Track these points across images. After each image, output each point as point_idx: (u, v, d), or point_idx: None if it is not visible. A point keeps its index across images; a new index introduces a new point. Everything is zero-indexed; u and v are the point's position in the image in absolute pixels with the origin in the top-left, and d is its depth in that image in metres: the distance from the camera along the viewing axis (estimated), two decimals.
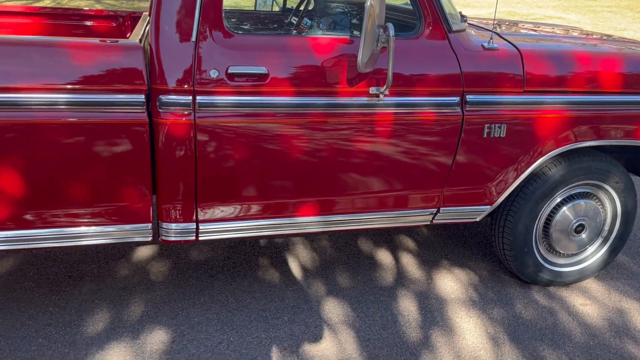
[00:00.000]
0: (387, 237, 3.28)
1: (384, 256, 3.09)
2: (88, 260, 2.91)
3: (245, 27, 2.64)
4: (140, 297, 2.63)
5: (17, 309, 2.49)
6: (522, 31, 3.20)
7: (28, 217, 2.00)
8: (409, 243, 3.24)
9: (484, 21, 3.47)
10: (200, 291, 2.70)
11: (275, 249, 3.10)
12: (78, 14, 3.44)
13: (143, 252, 3.01)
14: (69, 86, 1.88)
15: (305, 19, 3.10)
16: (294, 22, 3.24)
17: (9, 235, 2.02)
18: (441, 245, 3.24)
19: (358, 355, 2.32)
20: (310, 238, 3.26)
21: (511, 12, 13.00)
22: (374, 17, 1.89)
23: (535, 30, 3.20)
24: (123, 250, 3.02)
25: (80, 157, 1.96)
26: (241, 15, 3.36)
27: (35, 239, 2.07)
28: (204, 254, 3.01)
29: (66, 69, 1.88)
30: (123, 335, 2.36)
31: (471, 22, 3.01)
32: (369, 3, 1.87)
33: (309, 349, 2.34)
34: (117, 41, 1.95)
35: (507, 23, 3.77)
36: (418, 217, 2.48)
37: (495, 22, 3.25)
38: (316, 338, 2.41)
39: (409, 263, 3.03)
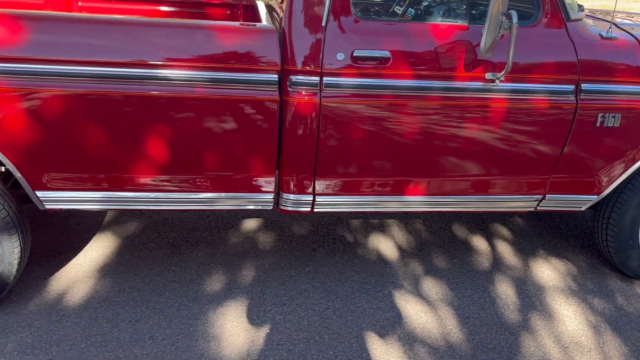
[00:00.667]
0: (481, 225, 3.34)
1: (479, 242, 3.15)
2: (201, 228, 3.17)
3: (369, 13, 2.77)
4: (250, 263, 2.85)
5: (144, 266, 2.78)
6: (617, 20, 3.14)
7: (168, 181, 2.25)
8: (504, 231, 3.28)
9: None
10: (304, 262, 2.89)
11: (370, 229, 3.24)
12: (195, 2, 3.71)
13: (249, 224, 3.24)
14: (211, 64, 2.09)
15: (410, 9, 3.20)
16: (398, 11, 3.34)
17: (151, 197, 2.28)
18: (537, 236, 3.25)
19: (458, 331, 2.42)
20: (404, 220, 3.37)
21: (605, 6, 12.38)
22: (499, 4, 1.97)
23: (631, 20, 3.13)
24: (231, 220, 3.27)
25: (217, 129, 2.18)
26: (365, 3, 3.49)
27: (174, 201, 2.31)
28: (304, 229, 3.20)
29: (209, 49, 2.09)
30: (239, 295, 2.58)
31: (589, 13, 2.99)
32: None
33: (411, 321, 2.47)
34: (255, 25, 2.15)
35: (600, 12, 3.68)
36: (523, 203, 2.53)
37: (590, 12, 3.20)
38: (417, 312, 2.53)
39: (505, 250, 3.08)
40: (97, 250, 2.89)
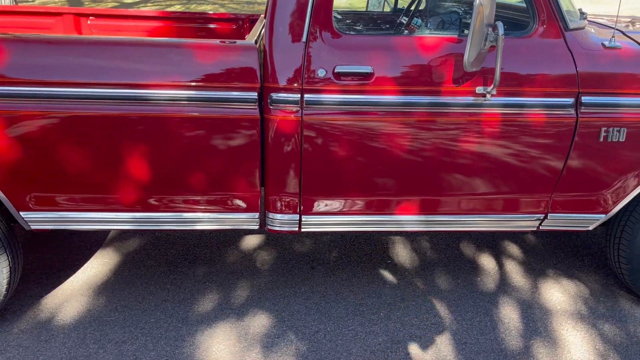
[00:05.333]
0: (491, 242, 3.20)
1: (486, 261, 3.01)
2: (202, 245, 3.15)
3: (354, 27, 2.70)
4: (246, 282, 2.80)
5: (139, 284, 2.76)
6: (624, 27, 2.95)
7: (152, 201, 2.23)
8: (514, 249, 3.13)
9: (606, 19, 3.25)
10: (301, 281, 2.82)
11: (374, 246, 3.14)
12: (203, 17, 3.73)
13: (251, 241, 3.19)
14: (191, 83, 2.07)
15: (416, 19, 3.11)
16: (405, 22, 3.26)
17: (135, 217, 2.26)
18: (549, 254, 3.09)
19: (453, 358, 2.30)
20: (410, 237, 3.26)
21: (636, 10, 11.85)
22: (483, 15, 1.87)
23: None
24: (233, 237, 3.23)
25: (198, 148, 2.14)
26: (353, 16, 3.43)
27: (158, 221, 2.29)
28: (306, 246, 3.13)
29: (190, 68, 2.06)
30: (229, 317, 2.53)
31: (594, 20, 2.84)
32: (478, 1, 1.85)
33: (404, 346, 2.36)
34: (235, 42, 2.11)
35: (630, 20, 3.48)
36: (523, 223, 2.39)
37: (617, 20, 3.02)
38: (411, 337, 2.42)
39: (513, 270, 2.93)
40: (96, 267, 2.90)
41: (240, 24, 3.78)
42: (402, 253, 3.09)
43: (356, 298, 2.69)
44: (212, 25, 3.76)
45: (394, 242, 3.20)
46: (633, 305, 2.63)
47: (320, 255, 3.05)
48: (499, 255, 3.07)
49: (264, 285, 2.79)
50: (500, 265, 2.97)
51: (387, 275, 2.88)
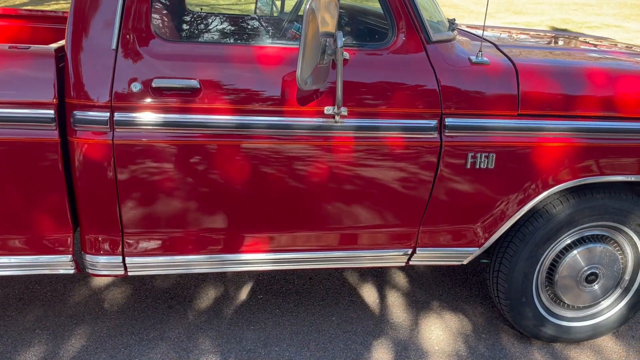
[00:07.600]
0: (376, 270, 2.92)
1: (367, 293, 2.73)
2: (45, 282, 2.70)
3: (174, 33, 2.31)
4: (85, 328, 2.38)
5: None
6: (582, 47, 2.78)
7: None
8: (400, 278, 2.87)
9: (539, 33, 3.10)
10: (151, 325, 2.43)
11: (247, 278, 2.80)
12: (57, 17, 3.27)
13: None
14: None
15: (297, 24, 2.81)
16: (287, 27, 2.95)
17: None
18: (436, 282, 2.85)
19: None
20: None
21: (566, 20, 12.20)
22: (317, 23, 1.56)
23: (595, 47, 2.75)
24: None
25: None
26: (218, 20, 3.08)
27: None
28: (169, 280, 2.74)
29: None
30: None
31: (470, 31, 2.61)
32: (308, 6, 1.54)
33: None
34: (29, 47, 1.71)
35: (567, 36, 3.34)
36: (390, 258, 2.12)
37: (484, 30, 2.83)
38: None
39: (395, 303, 2.66)
40: None
41: None
42: (277, 285, 2.76)
43: (212, 344, 2.33)
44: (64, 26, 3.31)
45: (270, 272, 2.87)
46: (515, 343, 2.42)
47: (182, 292, 2.67)
48: (383, 285, 2.80)
49: (105, 331, 2.38)
50: (383, 298, 2.70)
51: (253, 313, 2.53)
